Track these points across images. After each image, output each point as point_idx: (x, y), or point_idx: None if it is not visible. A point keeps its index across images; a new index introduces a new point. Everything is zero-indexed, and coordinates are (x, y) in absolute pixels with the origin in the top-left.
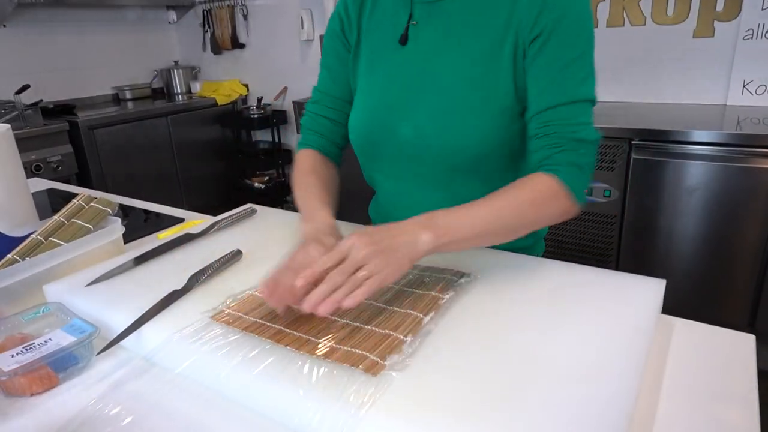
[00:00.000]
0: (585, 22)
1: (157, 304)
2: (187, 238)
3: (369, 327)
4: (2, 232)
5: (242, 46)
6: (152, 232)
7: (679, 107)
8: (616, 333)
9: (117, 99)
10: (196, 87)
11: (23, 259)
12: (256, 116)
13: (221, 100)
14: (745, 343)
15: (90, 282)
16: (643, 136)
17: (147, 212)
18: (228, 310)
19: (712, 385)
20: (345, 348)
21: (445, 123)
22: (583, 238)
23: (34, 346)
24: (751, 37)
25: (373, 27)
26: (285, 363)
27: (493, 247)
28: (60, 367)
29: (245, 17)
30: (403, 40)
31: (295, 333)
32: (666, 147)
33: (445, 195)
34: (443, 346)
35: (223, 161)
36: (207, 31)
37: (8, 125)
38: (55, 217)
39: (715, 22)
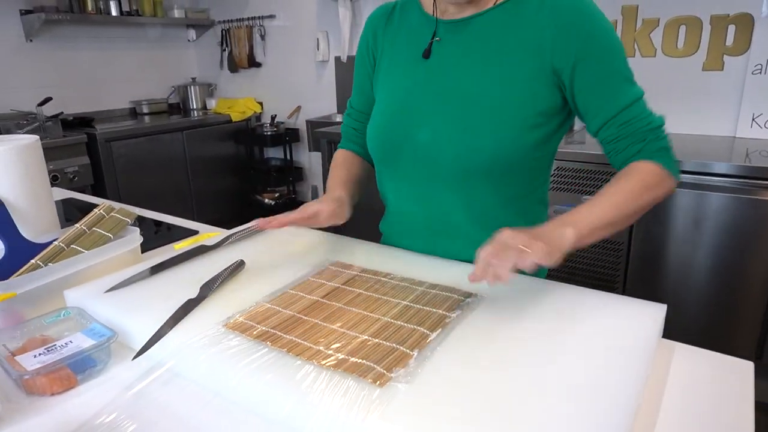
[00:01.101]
0: (611, 34)
1: (178, 311)
2: (201, 250)
3: (377, 340)
4: (27, 238)
5: (258, 65)
6: (167, 243)
7: (688, 138)
8: (617, 354)
9: (134, 113)
10: (212, 103)
11: (46, 265)
12: (269, 134)
13: (236, 117)
14: (744, 369)
15: (109, 289)
16: None
17: (160, 224)
18: (241, 319)
19: (709, 410)
20: (353, 359)
21: (462, 128)
22: (591, 264)
23: (55, 348)
24: (761, 72)
25: (399, 42)
26: (296, 372)
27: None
28: (79, 368)
29: (263, 37)
30: (427, 54)
31: (306, 343)
32: None
33: (458, 197)
34: (448, 362)
35: (235, 177)
36: (225, 49)
37: (36, 136)
38: (76, 225)
39: (725, 56)
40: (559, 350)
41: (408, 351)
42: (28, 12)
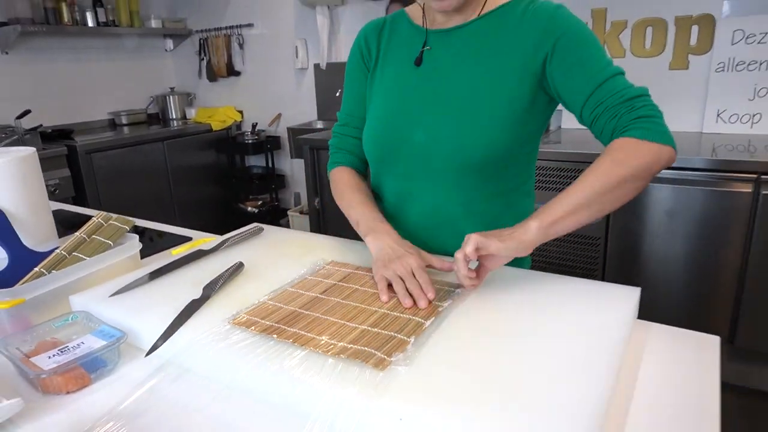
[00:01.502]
0: (585, 31)
1: (183, 310)
2: (199, 254)
3: (376, 329)
4: (28, 247)
5: (237, 73)
6: (162, 250)
7: None
8: (595, 333)
9: (113, 124)
10: (192, 113)
11: (49, 272)
12: (250, 142)
13: (216, 126)
14: (711, 343)
15: (113, 293)
16: None
17: (152, 231)
18: (246, 316)
19: (680, 380)
20: (355, 347)
21: (454, 128)
22: (569, 259)
23: (68, 349)
24: (723, 70)
25: (391, 52)
26: (301, 361)
27: None
28: (91, 368)
29: (241, 46)
30: (418, 61)
31: (309, 334)
32: None
33: (451, 192)
34: (443, 346)
35: (217, 185)
36: (203, 59)
37: (33, 148)
38: (76, 233)
39: (690, 55)
40: (543, 332)
41: (405, 338)
42: (2, 24)
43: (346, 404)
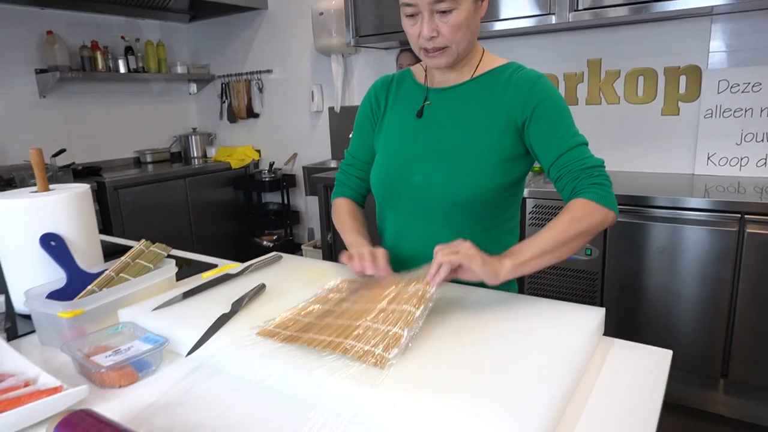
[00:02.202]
0: (559, 101)
1: (216, 321)
2: (226, 278)
3: (376, 326)
4: (82, 268)
5: (256, 115)
6: (192, 275)
7: (652, 176)
8: (562, 345)
9: (138, 162)
10: (212, 152)
11: (100, 290)
12: (267, 179)
13: (235, 164)
14: (663, 355)
15: (155, 307)
16: (619, 201)
17: (182, 259)
18: (269, 327)
19: (631, 386)
20: (359, 345)
21: (448, 173)
22: (569, 293)
23: (121, 351)
24: (711, 116)
25: (397, 105)
26: (314, 361)
27: (471, 284)
28: (139, 367)
29: (260, 90)
30: (420, 114)
31: (320, 337)
32: (640, 210)
33: (444, 227)
34: (428, 348)
35: (235, 220)
36: (224, 101)
37: (88, 186)
38: (122, 258)
39: (680, 102)
40: (517, 339)
41: (399, 331)
42: (42, 71)
43: (348, 394)
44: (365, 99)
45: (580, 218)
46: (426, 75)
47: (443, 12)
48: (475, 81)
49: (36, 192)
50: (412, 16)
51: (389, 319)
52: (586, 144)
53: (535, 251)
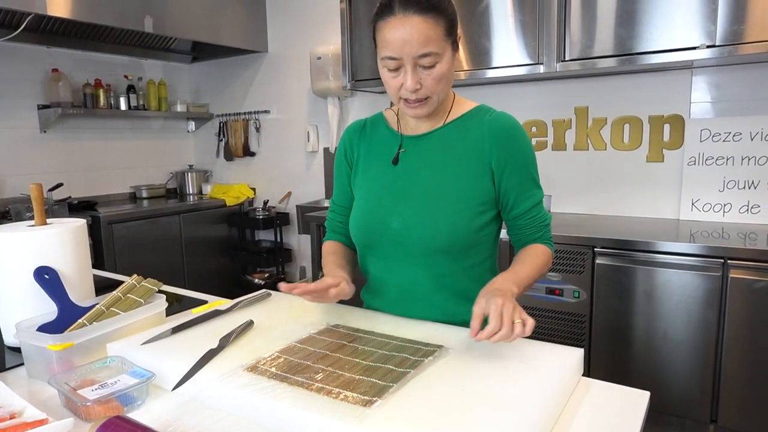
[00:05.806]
0: (531, 154)
1: (204, 356)
2: (215, 313)
3: (364, 378)
4: (74, 302)
5: (253, 154)
6: (182, 311)
7: (637, 220)
8: (544, 385)
9: (134, 197)
10: (207, 189)
11: (90, 323)
12: (261, 217)
13: (230, 202)
14: (640, 397)
15: (144, 342)
16: (605, 245)
17: (172, 295)
18: (257, 364)
19: (609, 428)
20: (347, 392)
21: (425, 218)
22: (556, 335)
23: (107, 385)
24: (695, 164)
25: (371, 152)
26: (302, 397)
27: (455, 323)
28: (124, 401)
29: (257, 129)
30: (395, 161)
31: (309, 381)
32: (627, 254)
33: (424, 270)
34: (412, 386)
35: (227, 257)
36: (221, 140)
37: (83, 220)
38: (113, 292)
39: (664, 149)
40: (498, 381)
41: (388, 384)
42: (45, 107)
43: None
44: (340, 146)
45: (546, 259)
46: (398, 121)
47: (426, 66)
48: (449, 126)
49: (33, 225)
50: (394, 69)
51: (378, 373)
52: (542, 200)
53: (526, 281)
